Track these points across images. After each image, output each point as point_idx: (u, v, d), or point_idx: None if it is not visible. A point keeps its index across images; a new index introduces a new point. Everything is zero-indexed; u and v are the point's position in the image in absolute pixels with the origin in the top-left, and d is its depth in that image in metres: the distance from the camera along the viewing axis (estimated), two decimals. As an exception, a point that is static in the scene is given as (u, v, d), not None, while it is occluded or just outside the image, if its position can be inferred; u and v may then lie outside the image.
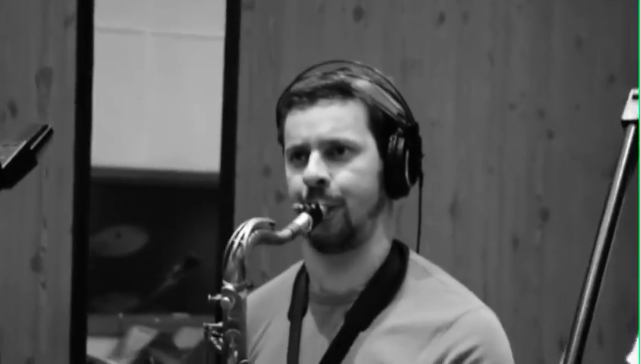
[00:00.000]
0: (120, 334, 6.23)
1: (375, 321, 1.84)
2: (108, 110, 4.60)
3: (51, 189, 3.79)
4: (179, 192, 7.78)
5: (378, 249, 1.87)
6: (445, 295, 1.87)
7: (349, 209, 1.82)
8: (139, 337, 6.09)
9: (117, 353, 5.97)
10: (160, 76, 7.00)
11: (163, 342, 6.42)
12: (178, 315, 7.42)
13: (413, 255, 1.91)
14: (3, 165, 1.64)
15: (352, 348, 1.84)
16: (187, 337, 6.57)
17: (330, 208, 1.81)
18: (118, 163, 6.17)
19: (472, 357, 1.79)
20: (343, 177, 1.82)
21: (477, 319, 1.83)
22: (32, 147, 1.67)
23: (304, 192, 1.82)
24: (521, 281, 4.02)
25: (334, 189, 1.82)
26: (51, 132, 1.73)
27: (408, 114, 1.88)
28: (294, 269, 1.99)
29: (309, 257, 1.90)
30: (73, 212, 3.75)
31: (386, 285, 1.86)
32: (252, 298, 1.99)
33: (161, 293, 6.98)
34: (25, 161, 1.67)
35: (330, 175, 1.82)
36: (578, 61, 4.19)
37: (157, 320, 6.89)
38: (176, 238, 7.80)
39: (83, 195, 3.73)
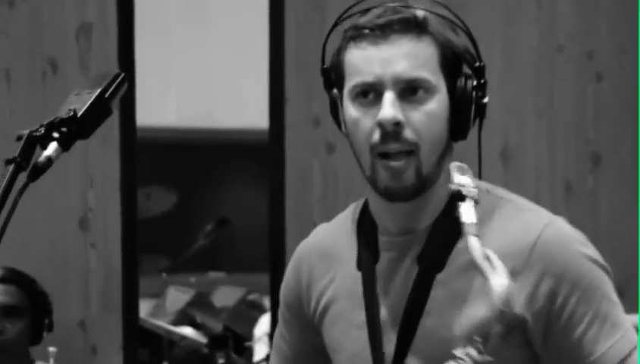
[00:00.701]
0: (156, 295, 6.20)
1: (450, 259, 1.75)
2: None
3: (96, 147, 3.73)
4: (208, 151, 7.72)
5: (443, 190, 1.76)
6: (516, 215, 1.76)
7: (421, 161, 1.71)
8: (177, 297, 6.06)
9: (155, 314, 5.94)
10: (187, 32, 6.93)
11: (201, 301, 6.39)
12: (213, 274, 7.39)
13: (477, 182, 1.75)
14: (78, 114, 1.57)
15: (432, 292, 1.75)
16: (224, 296, 6.54)
17: (403, 155, 1.70)
18: (146, 122, 6.07)
19: (570, 275, 1.70)
20: (418, 120, 1.71)
21: (557, 233, 1.73)
22: (106, 95, 1.62)
23: (376, 136, 1.70)
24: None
25: (408, 132, 1.70)
26: (124, 80, 1.67)
27: (477, 54, 1.77)
28: (350, 217, 1.89)
29: (376, 206, 1.80)
30: (120, 171, 3.68)
31: (454, 221, 1.71)
32: (309, 247, 1.94)
33: (193, 253, 6.94)
34: (100, 110, 1.61)
35: (406, 117, 1.70)
36: (625, 1, 4.10)
37: (192, 280, 6.87)
38: (206, 197, 7.75)
39: (130, 152, 3.66)
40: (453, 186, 1.59)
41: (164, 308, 6.12)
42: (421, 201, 1.76)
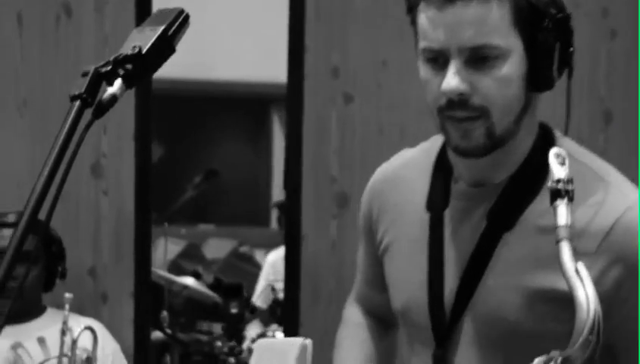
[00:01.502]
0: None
1: (521, 219, 1.72)
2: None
3: (110, 94, 3.68)
4: (196, 103, 7.67)
5: (522, 145, 1.75)
6: (599, 186, 1.71)
7: (493, 122, 1.68)
8: (168, 248, 6.03)
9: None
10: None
11: (192, 253, 6.38)
12: (204, 226, 7.39)
13: (561, 141, 1.78)
14: (143, 50, 1.53)
15: (497, 250, 1.73)
16: (215, 248, 6.55)
17: (470, 119, 1.68)
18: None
19: None
20: (487, 86, 1.67)
21: (636, 220, 1.67)
22: (169, 33, 1.57)
23: (442, 101, 1.68)
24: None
25: (476, 99, 1.67)
26: (187, 17, 1.63)
27: (558, 3, 1.71)
28: (429, 148, 1.88)
29: (452, 154, 1.79)
30: (135, 118, 3.63)
31: (530, 180, 1.73)
32: (385, 175, 1.96)
33: (182, 204, 6.92)
34: (163, 47, 1.56)
35: (472, 85, 1.67)
36: (641, -43, 4.08)
37: (183, 231, 6.86)
38: (195, 150, 7.72)
39: (146, 100, 3.61)
40: (552, 185, 1.52)
41: (155, 259, 6.12)
42: (497, 156, 1.73)
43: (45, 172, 1.49)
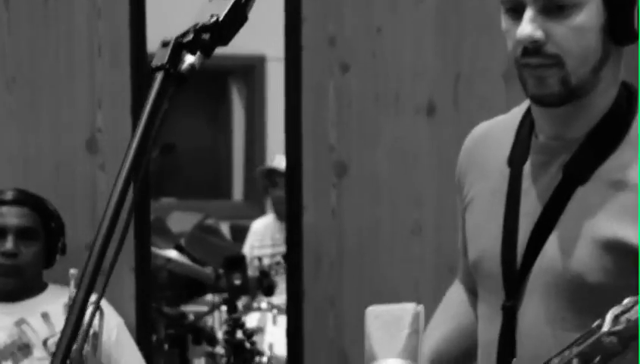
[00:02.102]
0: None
1: (596, 174, 1.75)
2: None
3: (105, 68, 3.64)
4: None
5: (602, 99, 1.77)
6: None
7: (568, 71, 1.71)
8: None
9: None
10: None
11: (156, 226, 6.34)
12: (166, 200, 7.35)
13: None
14: (220, 18, 1.52)
15: (570, 204, 1.76)
16: (179, 221, 6.52)
17: (545, 66, 1.71)
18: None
19: None
20: (562, 35, 1.70)
21: None
22: (242, 1, 1.56)
23: (519, 51, 1.73)
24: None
25: (550, 47, 1.71)
26: (258, -14, 1.62)
27: None
28: (521, 110, 1.91)
29: (533, 108, 1.83)
30: (132, 92, 3.60)
31: (608, 135, 1.76)
32: (477, 135, 1.98)
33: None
34: (237, 16, 1.55)
35: (547, 33, 1.70)
36: None
37: (145, 205, 6.80)
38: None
39: (142, 73, 3.58)
40: None
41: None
42: (573, 108, 1.76)
43: (134, 144, 1.47)
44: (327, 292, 3.56)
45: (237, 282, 3.41)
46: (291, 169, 3.56)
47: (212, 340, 4.72)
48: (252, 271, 5.60)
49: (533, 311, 1.78)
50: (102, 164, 3.67)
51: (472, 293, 2.02)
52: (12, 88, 3.69)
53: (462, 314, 2.05)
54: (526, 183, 1.82)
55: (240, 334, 3.39)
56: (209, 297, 4.99)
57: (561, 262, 1.75)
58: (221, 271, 3.78)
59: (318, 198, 3.58)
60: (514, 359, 1.76)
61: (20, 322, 3.36)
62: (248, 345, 3.43)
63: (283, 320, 4.54)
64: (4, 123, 3.71)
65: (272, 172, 5.54)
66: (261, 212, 7.49)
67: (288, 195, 3.56)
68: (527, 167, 1.82)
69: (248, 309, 4.17)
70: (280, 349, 4.33)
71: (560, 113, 1.77)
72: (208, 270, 5.14)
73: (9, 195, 3.35)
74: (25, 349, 3.30)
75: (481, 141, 1.95)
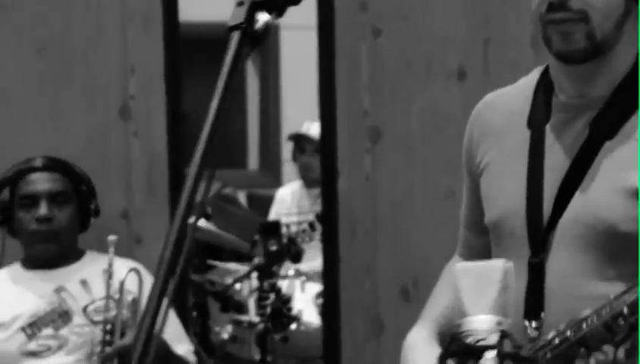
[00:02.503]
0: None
1: (622, 130, 1.78)
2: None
3: (137, 34, 3.63)
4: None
5: (625, 55, 1.80)
6: None
7: (593, 26, 1.74)
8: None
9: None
10: None
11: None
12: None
13: None
14: None
15: (597, 158, 1.79)
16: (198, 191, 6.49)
17: (571, 22, 1.74)
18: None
19: None
20: None
21: None
22: None
23: (543, 7, 1.75)
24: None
25: (575, 2, 1.73)
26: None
27: None
28: (531, 78, 1.93)
29: (554, 67, 1.85)
30: (164, 58, 3.59)
31: (633, 93, 1.78)
32: (487, 103, 1.99)
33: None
34: None
35: None
36: None
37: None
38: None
39: (174, 40, 3.57)
40: None
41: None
42: (597, 65, 1.79)
43: (214, 106, 1.45)
44: (362, 258, 3.57)
45: (273, 248, 3.40)
46: (325, 135, 3.55)
47: (240, 308, 4.72)
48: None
49: (562, 264, 1.80)
50: (135, 131, 3.66)
51: None
52: (43, 55, 3.68)
53: None
54: (549, 141, 1.84)
55: (275, 301, 3.39)
56: (232, 266, 5.00)
57: (592, 213, 1.77)
58: (256, 237, 3.77)
59: (352, 164, 3.58)
60: (543, 313, 1.77)
61: (59, 289, 3.36)
62: (284, 311, 3.43)
63: (311, 287, 4.55)
64: (35, 91, 3.70)
65: (301, 138, 5.49)
66: (276, 182, 7.48)
67: (322, 161, 3.56)
68: (549, 127, 1.85)
69: (276, 276, 4.16)
70: (309, 315, 4.34)
71: (583, 70, 1.80)
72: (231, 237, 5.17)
73: (38, 162, 3.36)
74: (65, 316, 3.31)
75: (493, 110, 1.96)
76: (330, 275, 3.56)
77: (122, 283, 3.25)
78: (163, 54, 3.59)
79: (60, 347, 3.27)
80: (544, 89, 1.87)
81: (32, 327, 3.30)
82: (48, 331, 3.29)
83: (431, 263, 3.47)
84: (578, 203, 1.79)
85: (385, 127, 3.58)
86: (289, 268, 4.64)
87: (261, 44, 1.53)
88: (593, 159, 1.78)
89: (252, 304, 4.86)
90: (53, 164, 3.36)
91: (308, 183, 5.48)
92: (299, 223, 5.30)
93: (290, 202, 5.53)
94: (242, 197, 6.98)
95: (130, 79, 3.64)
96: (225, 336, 4.76)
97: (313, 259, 4.90)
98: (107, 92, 3.67)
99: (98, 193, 3.43)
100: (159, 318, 1.39)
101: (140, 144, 3.65)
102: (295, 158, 5.58)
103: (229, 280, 4.65)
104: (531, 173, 1.84)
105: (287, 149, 7.15)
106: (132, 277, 3.29)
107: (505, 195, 1.88)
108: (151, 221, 3.68)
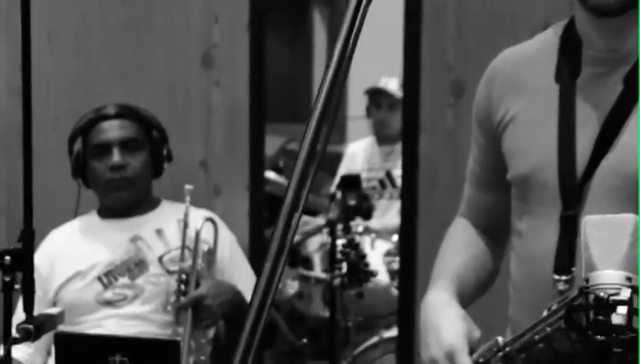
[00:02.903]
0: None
1: None
2: None
3: (222, -18, 3.60)
4: None
5: None
6: None
7: None
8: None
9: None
10: None
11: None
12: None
13: None
14: None
15: (633, 113, 1.79)
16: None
17: None
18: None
19: None
20: None
21: None
22: None
23: None
24: None
25: None
26: None
27: None
28: (550, 34, 1.94)
29: (584, 20, 1.85)
30: (249, 5, 3.55)
31: None
32: (505, 58, 2.01)
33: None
34: None
35: None
36: None
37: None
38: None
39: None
40: None
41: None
42: (627, 19, 1.80)
43: (335, 59, 1.39)
44: (441, 216, 3.52)
45: (352, 202, 3.35)
46: (408, 89, 3.50)
47: (307, 263, 4.70)
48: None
49: None
50: (217, 81, 3.64)
51: (476, 226, 2.07)
52: (126, 2, 3.66)
53: (474, 245, 2.07)
54: (581, 95, 1.84)
55: (352, 256, 3.35)
56: (303, 218, 4.96)
57: (630, 165, 1.77)
58: (335, 190, 3.72)
59: (434, 119, 3.53)
60: (574, 268, 1.77)
61: (135, 238, 3.35)
62: (361, 266, 3.39)
63: (380, 244, 4.51)
64: (117, 38, 3.68)
65: (377, 92, 5.38)
66: (341, 138, 7.44)
67: (404, 116, 3.51)
68: (580, 81, 1.85)
69: (347, 231, 4.12)
70: (379, 273, 4.30)
71: (617, 22, 1.81)
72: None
73: (108, 109, 3.33)
74: (141, 265, 3.31)
75: (513, 64, 1.97)
76: (407, 230, 3.52)
77: (198, 233, 3.22)
78: (248, 2, 3.55)
79: (136, 296, 3.27)
80: (571, 43, 1.88)
81: (109, 276, 3.29)
82: (124, 280, 3.28)
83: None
84: (616, 155, 1.79)
85: (467, 82, 3.52)
86: (358, 225, 4.61)
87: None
88: (630, 112, 1.79)
89: (317, 260, 4.83)
90: (123, 111, 3.34)
91: (381, 139, 5.40)
92: (369, 180, 5.25)
93: (361, 158, 5.46)
94: (306, 153, 6.95)
95: (214, 26, 3.61)
96: (291, 292, 4.74)
97: (382, 216, 4.87)
98: (189, 41, 3.64)
99: (177, 142, 3.41)
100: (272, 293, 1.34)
101: (222, 93, 3.63)
102: (369, 114, 5.48)
103: (297, 235, 4.63)
104: (563, 126, 1.84)
105: (353, 104, 7.10)
106: (208, 227, 3.27)
107: (536, 148, 1.88)
108: (230, 173, 3.66)
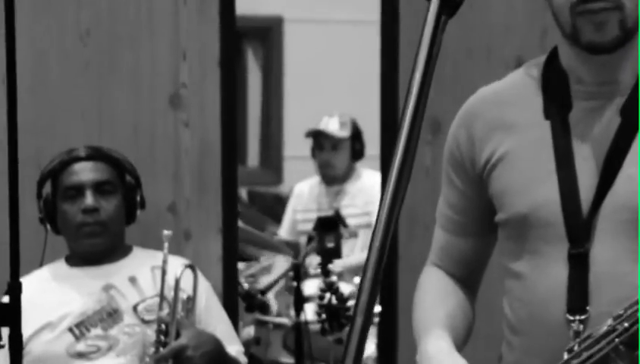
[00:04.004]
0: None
1: None
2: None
3: (190, 18, 3.46)
4: None
5: None
6: None
7: (626, 14, 1.74)
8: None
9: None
10: None
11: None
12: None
13: None
14: None
15: (633, 145, 1.78)
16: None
17: (605, 11, 1.74)
18: None
19: None
20: None
21: None
22: None
23: None
24: None
25: None
26: None
27: None
28: (525, 72, 1.92)
29: (572, 57, 1.84)
30: (220, 43, 3.43)
31: None
32: (480, 100, 1.97)
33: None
34: None
35: None
36: None
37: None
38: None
39: (230, 23, 3.40)
40: None
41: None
42: (624, 52, 1.80)
43: (414, 90, 1.30)
44: (422, 255, 3.42)
45: (331, 245, 3.23)
46: (386, 125, 3.41)
47: (264, 308, 4.55)
48: (293, 236, 5.43)
49: (607, 253, 1.77)
50: (187, 121, 3.49)
51: (450, 275, 2.04)
52: (87, 41, 3.50)
53: (454, 295, 2.02)
54: (577, 130, 1.82)
55: (333, 300, 3.23)
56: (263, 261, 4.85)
57: (635, 197, 1.75)
58: (313, 232, 3.60)
59: (413, 157, 3.43)
60: (588, 307, 1.75)
61: (107, 287, 3.21)
62: (341, 311, 3.27)
63: (343, 287, 4.40)
64: (78, 78, 3.52)
65: (319, 134, 5.30)
66: (278, 179, 7.33)
67: (382, 152, 3.41)
68: (573, 116, 1.83)
69: (326, 275, 3.96)
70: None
71: (610, 58, 1.81)
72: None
73: (82, 151, 3.22)
74: (114, 314, 3.15)
75: (495, 103, 1.94)
76: (389, 275, 3.41)
77: (177, 281, 3.08)
78: (219, 37, 3.42)
79: (110, 348, 3.12)
80: (557, 78, 1.86)
81: (80, 327, 3.14)
82: (96, 331, 3.13)
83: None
84: (621, 189, 1.77)
85: (445, 118, 3.44)
86: (316, 268, 4.50)
87: (457, 11, 1.40)
88: (630, 144, 1.77)
89: (273, 303, 4.70)
90: (97, 154, 3.23)
91: (327, 180, 5.32)
92: (320, 221, 5.17)
93: (308, 198, 5.38)
94: (243, 194, 6.83)
95: (182, 65, 3.47)
96: (248, 337, 4.61)
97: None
98: (156, 80, 3.50)
99: (144, 186, 3.27)
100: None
101: (191, 134, 3.49)
102: (314, 155, 5.40)
103: (259, 279, 4.51)
104: (561, 162, 1.81)
105: (289, 144, 7.01)
106: (185, 275, 3.13)
107: (534, 185, 1.84)
108: (201, 216, 3.51)
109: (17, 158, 2.11)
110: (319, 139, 5.30)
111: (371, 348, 3.82)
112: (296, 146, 6.62)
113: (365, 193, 5.22)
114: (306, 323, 3.67)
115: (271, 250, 4.02)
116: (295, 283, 3.55)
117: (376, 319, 3.41)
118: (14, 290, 2.31)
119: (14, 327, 2.29)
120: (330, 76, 6.99)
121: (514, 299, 1.90)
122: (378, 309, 3.53)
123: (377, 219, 1.25)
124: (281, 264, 5.19)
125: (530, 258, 1.86)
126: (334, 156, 5.27)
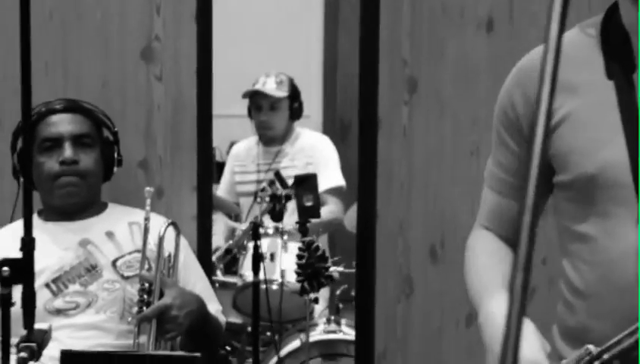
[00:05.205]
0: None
1: None
2: None
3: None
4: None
5: None
6: None
7: None
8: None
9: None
10: None
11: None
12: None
13: None
14: None
15: None
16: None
17: None
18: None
19: None
20: None
21: None
22: None
23: None
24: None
25: None
26: None
27: None
28: (579, 32, 1.86)
29: (633, 14, 1.78)
30: (197, -3, 3.32)
31: None
32: (535, 58, 1.90)
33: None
34: None
35: None
36: None
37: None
38: None
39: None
40: None
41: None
42: None
43: (550, 69, 1.16)
44: (397, 215, 3.40)
45: (309, 203, 3.15)
46: (366, 84, 3.35)
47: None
48: (232, 197, 5.34)
49: None
50: (159, 75, 3.38)
51: (501, 238, 2.00)
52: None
53: (507, 256, 1.98)
54: None
55: (315, 259, 3.15)
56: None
57: None
58: (290, 191, 3.51)
59: (391, 115, 3.39)
60: None
61: (84, 242, 3.11)
62: (322, 271, 3.19)
63: (293, 246, 4.33)
64: (41, 29, 3.37)
65: (256, 94, 5.17)
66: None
67: (361, 111, 3.36)
68: (636, 76, 1.78)
69: (304, 234, 3.85)
70: (292, 276, 4.12)
71: None
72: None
73: (59, 103, 3.11)
74: (93, 270, 3.05)
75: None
76: (366, 232, 3.37)
77: (161, 239, 2.99)
78: (194, -9, 3.32)
79: (89, 305, 3.02)
80: (618, 37, 1.81)
81: (58, 283, 3.03)
82: (75, 287, 3.02)
83: (455, 220, 3.34)
84: None
85: (421, 77, 3.41)
86: (268, 227, 4.43)
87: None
88: None
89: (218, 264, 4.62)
90: (75, 106, 3.13)
91: (264, 140, 5.22)
92: (259, 181, 5.06)
93: (245, 158, 5.27)
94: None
95: (155, 18, 3.36)
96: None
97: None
98: (128, 33, 3.38)
99: (118, 133, 3.19)
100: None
101: (164, 89, 3.38)
102: (251, 116, 5.28)
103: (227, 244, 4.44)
104: (629, 123, 1.76)
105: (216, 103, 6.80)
106: (156, 230, 3.04)
107: (602, 146, 1.79)
108: (174, 173, 3.42)
109: None
110: (257, 100, 5.18)
111: None
112: (223, 104, 6.49)
113: (304, 154, 5.14)
114: (266, 282, 3.60)
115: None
116: (252, 243, 3.46)
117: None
118: (28, 245, 2.21)
119: (26, 285, 2.19)
120: (261, 31, 6.84)
121: (580, 262, 1.86)
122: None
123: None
124: (219, 224, 5.12)
125: (598, 221, 1.81)
126: (273, 116, 5.17)
